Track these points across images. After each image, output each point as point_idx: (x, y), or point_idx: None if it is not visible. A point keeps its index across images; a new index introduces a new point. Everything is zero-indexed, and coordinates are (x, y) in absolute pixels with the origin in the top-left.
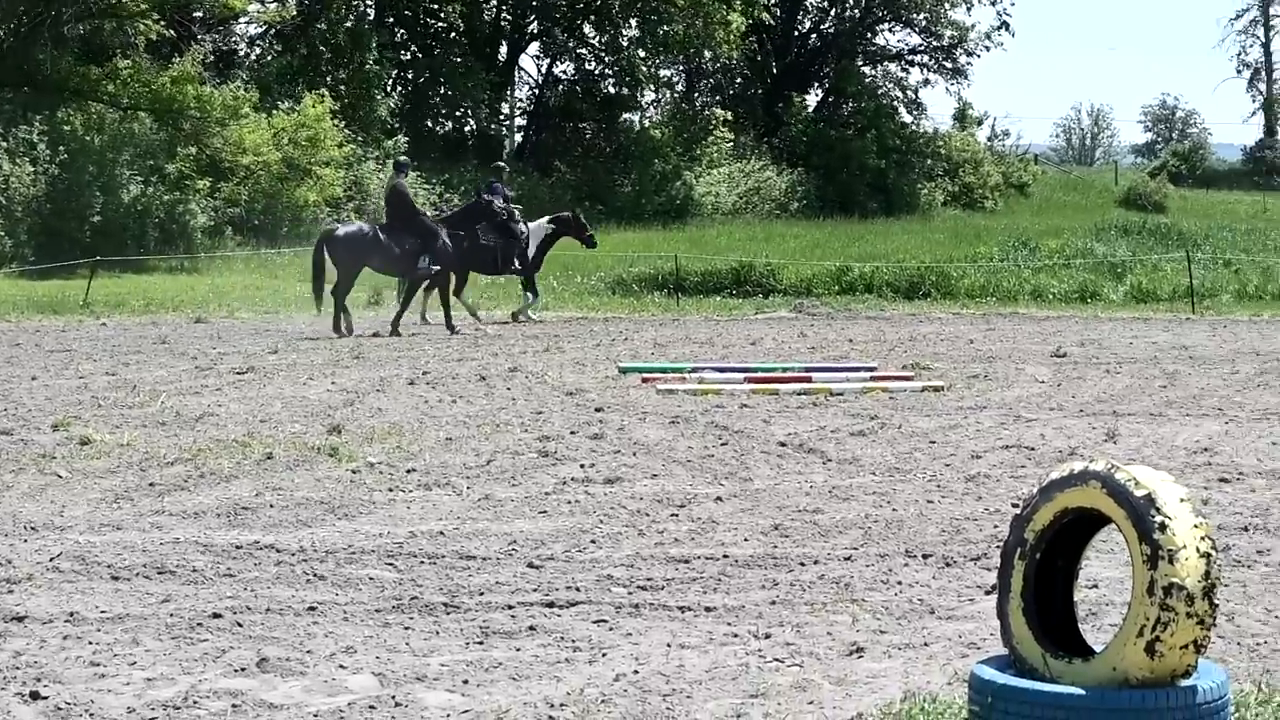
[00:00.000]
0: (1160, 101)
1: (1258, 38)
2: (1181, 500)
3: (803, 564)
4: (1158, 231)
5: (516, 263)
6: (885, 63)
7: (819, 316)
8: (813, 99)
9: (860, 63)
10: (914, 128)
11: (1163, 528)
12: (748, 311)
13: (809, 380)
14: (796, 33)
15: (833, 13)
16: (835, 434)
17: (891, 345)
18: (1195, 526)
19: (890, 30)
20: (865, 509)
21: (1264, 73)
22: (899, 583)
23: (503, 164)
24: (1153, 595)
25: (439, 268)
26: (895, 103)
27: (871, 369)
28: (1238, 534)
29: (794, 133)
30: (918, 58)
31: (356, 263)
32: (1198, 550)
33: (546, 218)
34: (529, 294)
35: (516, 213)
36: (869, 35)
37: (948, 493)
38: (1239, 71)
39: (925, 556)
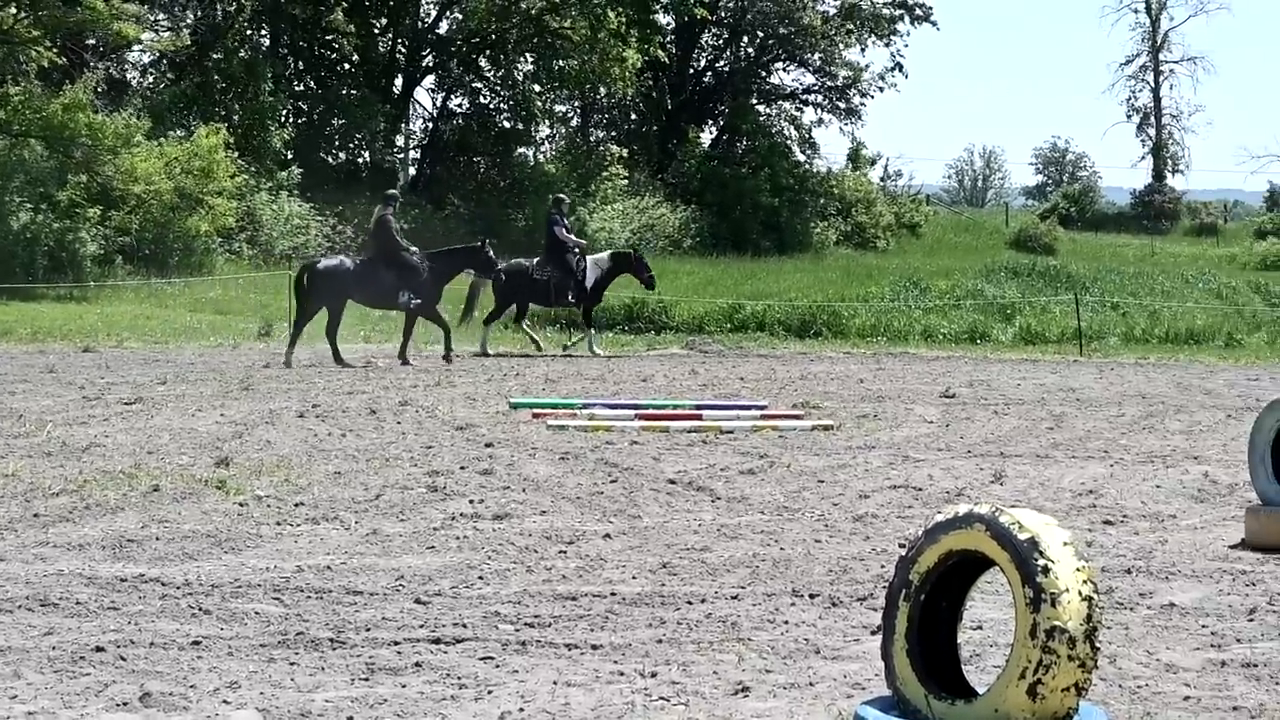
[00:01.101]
0: (1051, 144)
1: (1147, 83)
2: (1064, 544)
3: (690, 602)
4: (1047, 273)
5: (571, 295)
6: (780, 102)
7: (711, 354)
8: (707, 136)
9: (755, 101)
10: (807, 167)
11: (1045, 571)
12: (640, 348)
13: (699, 418)
14: (692, 70)
15: (728, 51)
16: (725, 472)
17: (782, 384)
18: (1078, 570)
19: (785, 69)
20: (753, 548)
21: (1153, 118)
22: (785, 622)
23: (563, 195)
24: (1035, 638)
25: (420, 301)
26: (789, 142)
27: (762, 407)
28: (1121, 576)
29: (688, 170)
30: (812, 97)
31: (337, 296)
32: (1080, 594)
33: (607, 253)
34: (588, 329)
35: (575, 244)
36: (764, 74)
37: (835, 532)
38: (1129, 116)
39: (812, 596)
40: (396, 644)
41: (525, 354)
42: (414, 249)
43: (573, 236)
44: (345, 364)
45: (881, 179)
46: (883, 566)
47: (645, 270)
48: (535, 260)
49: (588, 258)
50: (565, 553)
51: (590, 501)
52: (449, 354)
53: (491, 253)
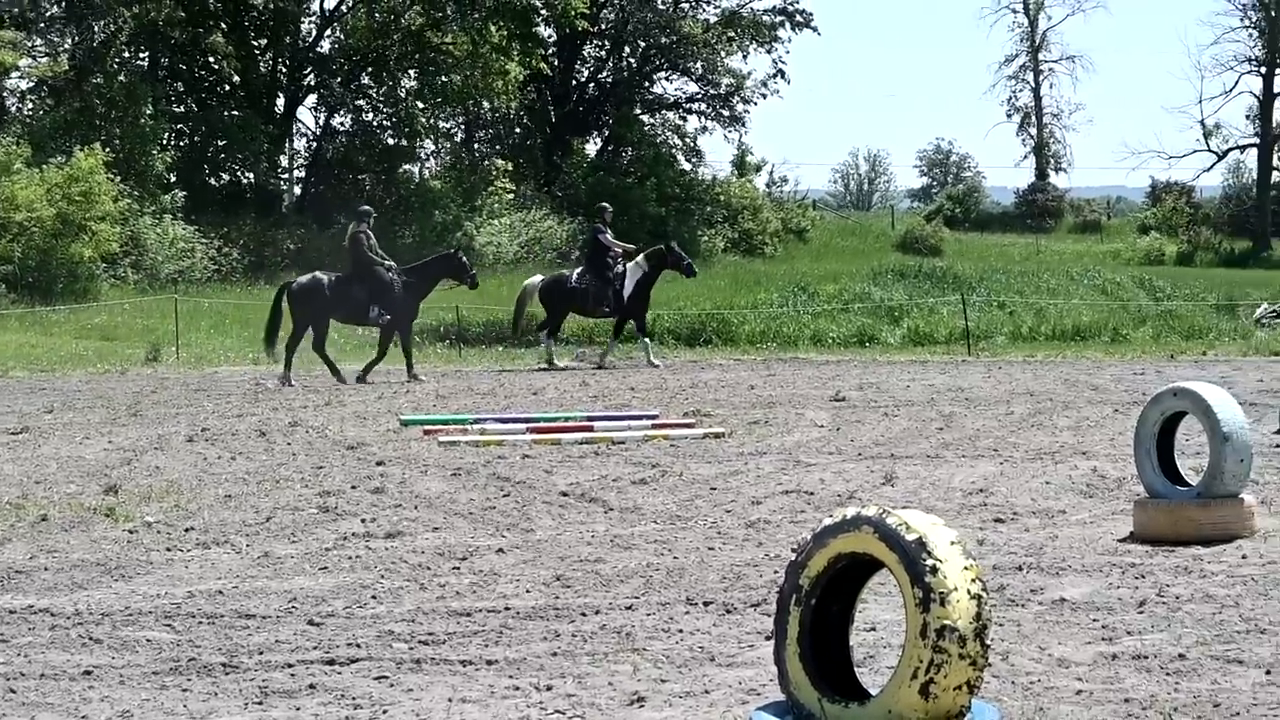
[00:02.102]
0: (935, 146)
1: (1027, 83)
2: (952, 543)
3: (584, 614)
4: (934, 275)
5: (607, 304)
6: (663, 111)
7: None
8: (592, 148)
9: (639, 111)
10: (693, 175)
11: (934, 571)
12: (530, 362)
13: (591, 429)
14: (575, 82)
15: (610, 62)
16: (617, 483)
17: (673, 393)
18: (966, 569)
19: (668, 79)
20: (647, 557)
21: (1034, 117)
22: (680, 630)
23: (606, 205)
24: (926, 638)
25: (390, 316)
26: (674, 150)
27: (653, 417)
28: (1012, 573)
29: (574, 181)
30: (695, 105)
31: (315, 314)
32: (969, 592)
33: (642, 255)
34: (642, 337)
35: (620, 254)
36: (647, 84)
37: (728, 539)
38: (1010, 116)
39: (706, 604)
40: (290, 666)
41: (540, 369)
42: (389, 264)
43: (618, 244)
44: (343, 380)
45: (767, 185)
46: (776, 572)
47: (682, 260)
48: (577, 270)
49: (628, 264)
50: (458, 569)
51: (483, 516)
52: (410, 371)
53: (465, 259)
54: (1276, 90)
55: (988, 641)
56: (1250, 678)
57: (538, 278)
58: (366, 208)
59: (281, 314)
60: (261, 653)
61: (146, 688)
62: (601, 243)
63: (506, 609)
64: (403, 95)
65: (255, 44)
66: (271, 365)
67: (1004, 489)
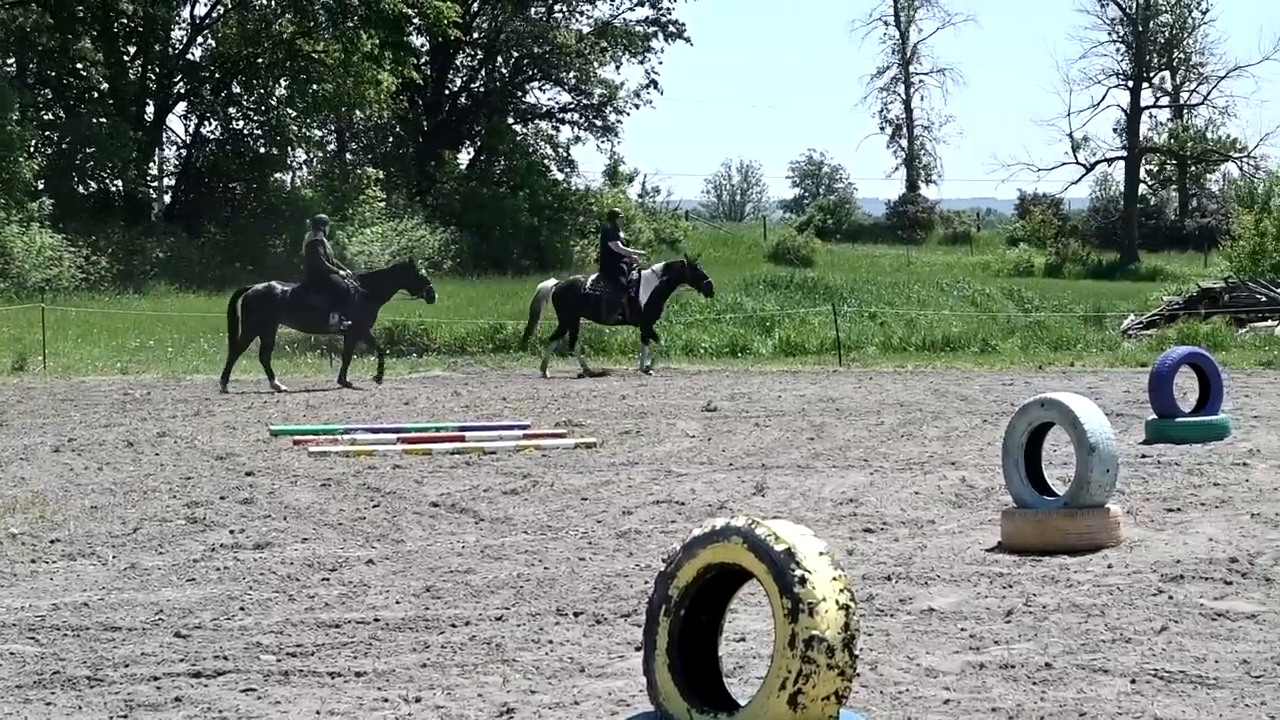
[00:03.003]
0: (807, 158)
1: (898, 95)
2: (821, 554)
3: (454, 625)
4: (805, 285)
5: (620, 311)
6: (536, 121)
7: (473, 375)
8: (465, 157)
9: (512, 121)
10: (566, 185)
11: (803, 581)
12: (401, 371)
13: (462, 439)
14: (448, 91)
15: (483, 71)
16: (488, 493)
17: (545, 403)
18: (834, 579)
19: (541, 89)
20: (517, 568)
21: (905, 129)
22: (550, 641)
23: (619, 210)
24: (794, 648)
25: (350, 323)
26: (547, 160)
27: (525, 427)
28: (881, 583)
29: (447, 191)
30: (568, 115)
31: (267, 321)
32: (837, 603)
33: (660, 265)
34: (643, 345)
35: (635, 259)
36: (520, 93)
37: (599, 550)
38: (881, 128)
39: (576, 614)
40: (156, 679)
41: (577, 375)
42: (345, 271)
43: (629, 250)
44: (281, 389)
45: (640, 195)
46: (646, 582)
47: (702, 278)
48: (592, 276)
49: (642, 271)
50: (328, 580)
51: (353, 527)
52: (380, 376)
53: (423, 270)
54: (1144, 104)
55: (856, 651)
56: (1115, 686)
57: (551, 281)
58: (322, 216)
59: (238, 321)
60: (127, 665)
61: (10, 701)
62: (611, 249)
63: (376, 620)
64: (274, 103)
65: (124, 51)
66: (142, 375)
67: (873, 499)
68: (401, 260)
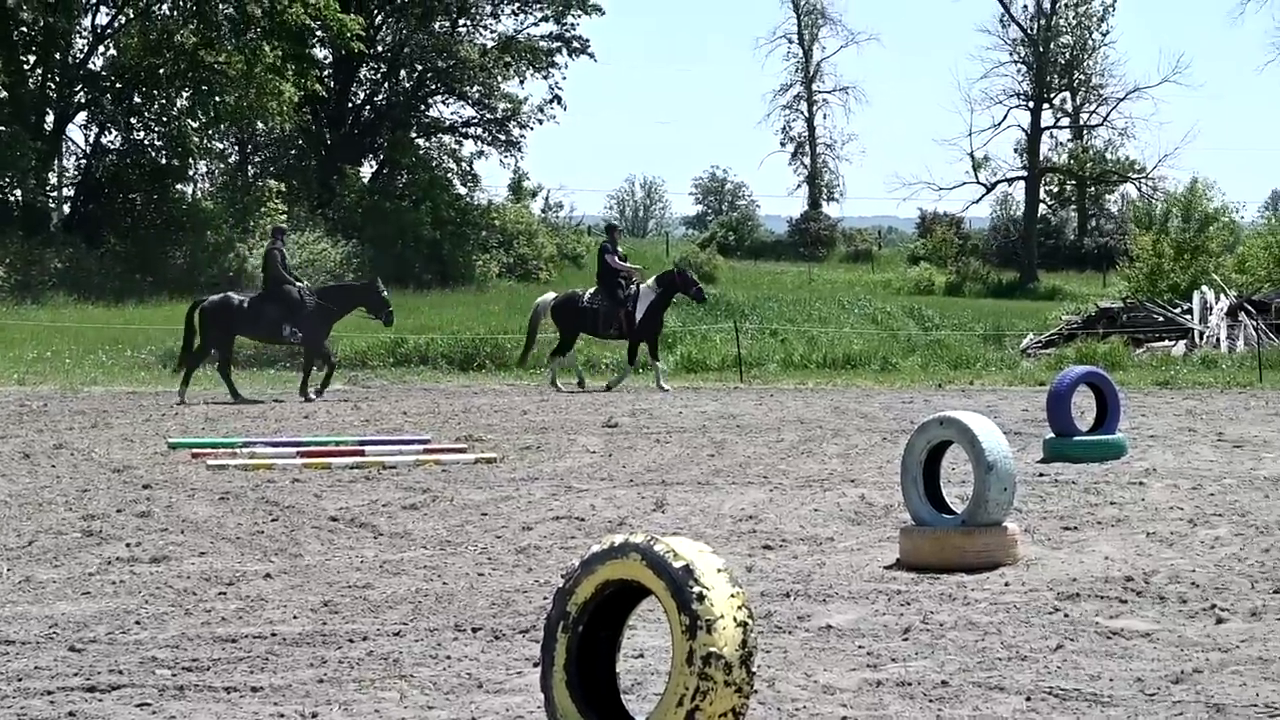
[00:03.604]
0: (710, 174)
1: (801, 113)
2: (719, 570)
3: (352, 640)
4: (707, 302)
5: (615, 326)
6: (439, 134)
7: (373, 389)
8: (368, 170)
9: (415, 134)
10: (468, 199)
11: (701, 598)
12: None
13: (362, 454)
14: (351, 104)
15: (386, 85)
16: (387, 508)
17: (446, 417)
18: (732, 596)
19: (444, 103)
20: (416, 583)
21: (807, 147)
22: (448, 657)
23: (616, 223)
24: (692, 665)
25: (303, 335)
26: (450, 174)
27: (425, 441)
28: (780, 600)
29: (348, 204)
30: (472, 130)
31: (223, 332)
32: (735, 619)
33: (653, 278)
34: (654, 362)
35: (633, 274)
36: (423, 107)
37: (498, 565)
38: (784, 145)
39: (475, 630)
40: (50, 694)
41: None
42: (300, 283)
43: (625, 265)
44: (242, 399)
45: (543, 210)
46: (545, 598)
47: (692, 285)
48: (590, 290)
49: (640, 286)
50: (225, 594)
51: (251, 541)
52: (322, 389)
53: (385, 292)
54: (1044, 124)
55: (753, 668)
56: (1011, 704)
57: (550, 295)
58: (281, 226)
59: (194, 332)
60: (20, 679)
61: None
62: (608, 264)
63: (273, 635)
64: (175, 114)
65: (24, 60)
66: (39, 385)
67: (773, 516)
68: (365, 281)
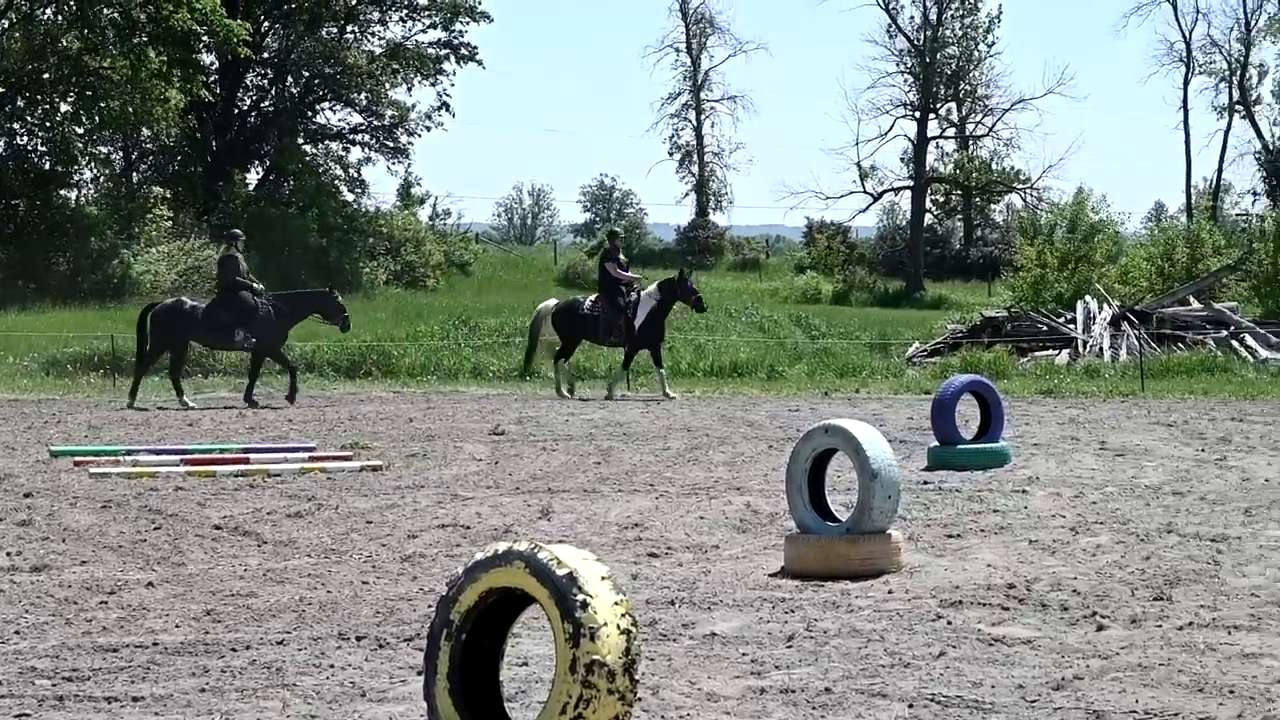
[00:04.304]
0: (598, 182)
1: (689, 121)
2: (603, 578)
3: (234, 649)
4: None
5: (615, 334)
6: (326, 141)
7: (259, 396)
8: (254, 177)
9: (301, 141)
10: (356, 206)
11: (584, 606)
12: (187, 392)
13: (246, 461)
14: (237, 110)
15: (273, 91)
16: (271, 516)
17: (331, 425)
18: (616, 604)
19: (331, 109)
20: (300, 591)
21: (695, 155)
22: (331, 666)
23: (618, 229)
24: (575, 672)
25: (256, 340)
26: (337, 181)
27: (310, 449)
28: (665, 608)
29: (234, 211)
30: (359, 137)
31: (175, 336)
32: (619, 627)
33: (654, 285)
34: (657, 369)
35: (634, 281)
36: (310, 114)
37: (383, 573)
38: (671, 154)
39: (359, 638)
40: None
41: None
42: (257, 288)
43: (625, 273)
44: (189, 406)
45: (431, 218)
46: (429, 606)
47: (692, 293)
48: (591, 297)
49: (641, 293)
50: (106, 603)
51: (133, 550)
52: (292, 395)
53: (339, 299)
54: (930, 134)
55: (637, 676)
56: (893, 711)
57: (551, 301)
58: (236, 231)
59: (147, 336)
60: None
61: None
62: (609, 272)
63: (155, 644)
64: (59, 119)
65: None
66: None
67: (659, 524)
68: (321, 288)
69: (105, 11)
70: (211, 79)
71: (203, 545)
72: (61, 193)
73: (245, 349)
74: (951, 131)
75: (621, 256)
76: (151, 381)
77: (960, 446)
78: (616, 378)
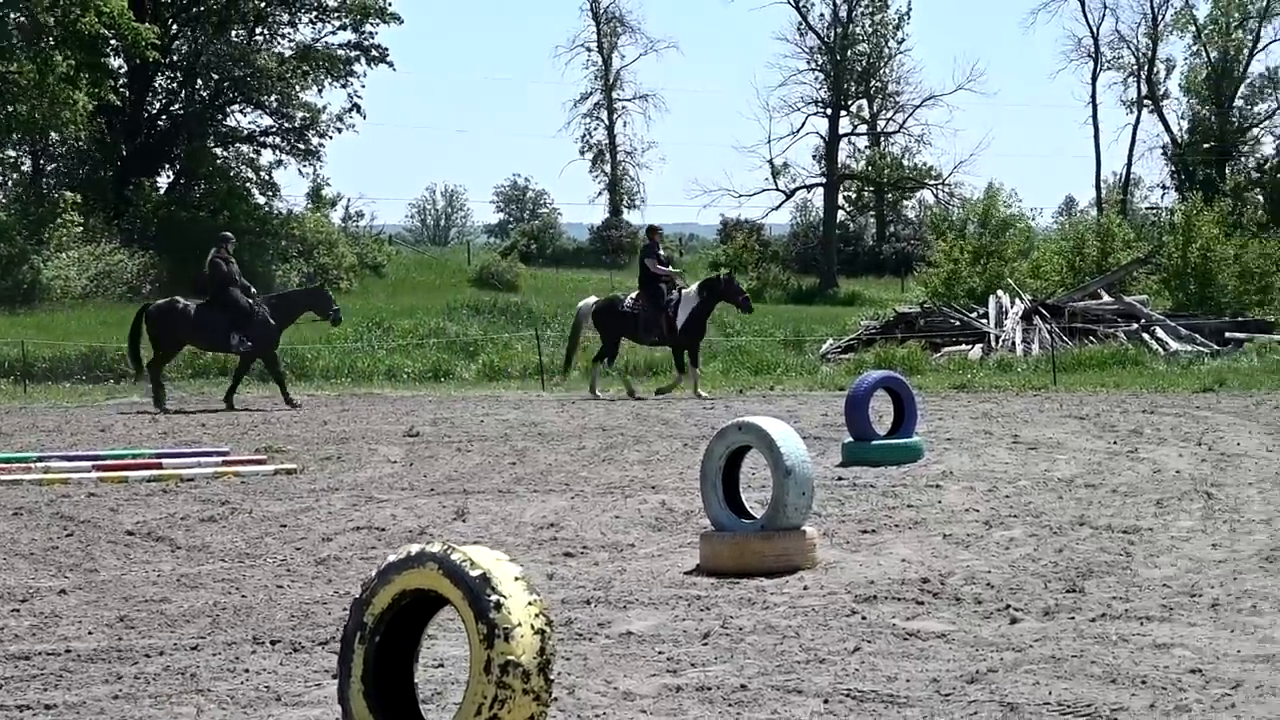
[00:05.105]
0: (511, 182)
1: (602, 120)
2: (517, 579)
3: (148, 655)
4: (509, 310)
5: (657, 332)
6: (237, 144)
7: (173, 401)
8: (165, 181)
9: (212, 144)
10: (267, 209)
11: (498, 606)
12: (99, 398)
13: (160, 466)
14: (146, 114)
15: (183, 94)
16: (185, 521)
17: (245, 429)
18: (530, 604)
19: (242, 112)
20: (214, 596)
21: (608, 154)
22: (246, 670)
23: (657, 226)
24: (490, 673)
25: (251, 344)
26: (248, 184)
27: (224, 453)
28: (580, 607)
29: (145, 215)
30: (270, 139)
31: (169, 338)
32: (533, 627)
33: (696, 285)
34: (692, 368)
35: (675, 278)
36: (220, 116)
37: (298, 577)
38: (584, 153)
39: (273, 643)
40: None
41: (620, 398)
42: (250, 290)
43: (665, 269)
44: (166, 410)
45: (343, 220)
46: (344, 609)
47: (739, 294)
48: (632, 294)
49: (681, 291)
50: (18, 611)
51: (45, 557)
52: (287, 398)
53: (330, 294)
54: (842, 131)
55: (552, 676)
56: (809, 707)
57: (591, 299)
58: (226, 233)
59: (141, 335)
60: None
61: None
62: (649, 268)
63: (67, 651)
64: None
65: None
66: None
67: (574, 523)
68: (312, 285)
69: (12, 15)
70: (120, 83)
71: (115, 551)
72: None
73: (239, 353)
74: (863, 128)
75: (662, 252)
76: (62, 388)
77: (874, 442)
78: (679, 380)
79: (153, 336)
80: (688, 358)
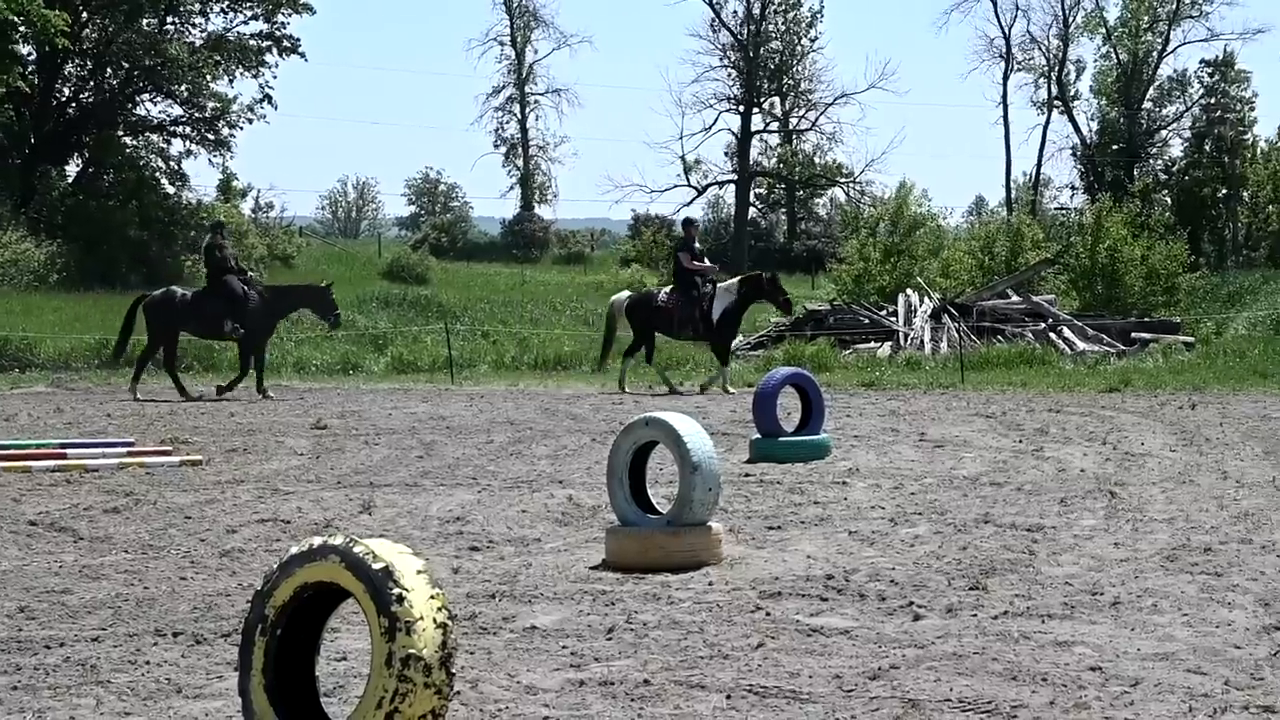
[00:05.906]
0: (423, 175)
1: (514, 114)
2: (419, 572)
3: (48, 647)
4: (419, 303)
5: (693, 327)
6: (147, 133)
7: (78, 391)
8: (73, 169)
9: (121, 133)
10: (176, 199)
11: (400, 600)
12: (2, 387)
13: (64, 456)
14: (55, 101)
15: (92, 82)
16: (89, 511)
17: (151, 420)
18: (433, 598)
19: (152, 101)
20: (116, 588)
21: (520, 149)
22: (147, 662)
23: (693, 218)
24: (391, 666)
25: (244, 331)
26: (157, 174)
27: (129, 444)
28: (485, 601)
29: (52, 203)
30: (180, 129)
31: (166, 327)
32: (435, 621)
33: (736, 279)
34: (722, 366)
35: (709, 272)
36: (130, 105)
37: (201, 569)
38: (496, 147)
39: (175, 635)
40: None
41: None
42: (248, 275)
43: (700, 263)
44: (189, 397)
45: (253, 211)
46: (248, 602)
47: (780, 293)
48: (666, 289)
49: (717, 285)
50: None
51: None
52: (262, 390)
53: (333, 295)
54: (754, 128)
55: (454, 670)
56: (712, 702)
57: (625, 293)
58: (220, 220)
59: (133, 326)
60: None
61: None
62: (683, 263)
63: None
64: None
65: None
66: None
67: (481, 517)
68: (316, 283)
69: None
70: (29, 70)
71: (17, 541)
72: None
73: (233, 338)
74: (775, 126)
75: (696, 246)
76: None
77: (781, 439)
78: (724, 376)
79: (148, 326)
80: (718, 354)
